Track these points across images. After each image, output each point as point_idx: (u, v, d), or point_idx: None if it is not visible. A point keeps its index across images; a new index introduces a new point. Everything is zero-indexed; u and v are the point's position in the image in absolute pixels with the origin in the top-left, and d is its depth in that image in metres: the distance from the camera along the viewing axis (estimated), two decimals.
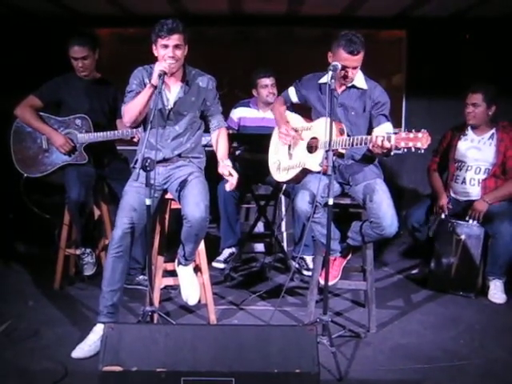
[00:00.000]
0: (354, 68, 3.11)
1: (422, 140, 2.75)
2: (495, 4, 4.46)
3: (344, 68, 3.08)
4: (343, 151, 3.15)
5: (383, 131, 3.04)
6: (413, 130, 2.78)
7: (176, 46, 2.97)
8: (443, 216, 3.97)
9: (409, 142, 2.77)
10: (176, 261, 3.23)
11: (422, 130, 2.77)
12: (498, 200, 3.86)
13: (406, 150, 2.80)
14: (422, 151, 2.79)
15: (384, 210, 3.04)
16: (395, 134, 2.82)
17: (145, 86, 3.10)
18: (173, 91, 3.13)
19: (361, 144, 2.98)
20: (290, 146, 3.47)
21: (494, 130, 3.95)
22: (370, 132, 3.21)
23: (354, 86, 3.24)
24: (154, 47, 3.03)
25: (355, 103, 3.24)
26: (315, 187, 3.00)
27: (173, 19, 2.97)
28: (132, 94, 3.10)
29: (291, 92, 3.48)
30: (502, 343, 3.16)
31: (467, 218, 3.88)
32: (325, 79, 3.23)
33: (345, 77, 3.12)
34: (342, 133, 3.12)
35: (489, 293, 3.83)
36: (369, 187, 3.15)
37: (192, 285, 3.20)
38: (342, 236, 3.32)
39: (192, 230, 2.97)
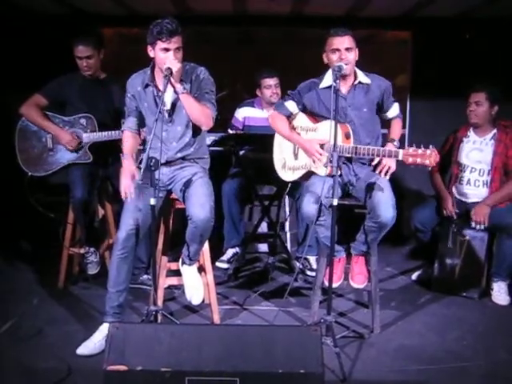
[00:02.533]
0: (347, 50, 3.12)
1: (430, 158, 2.79)
2: (500, 5, 4.45)
3: (337, 52, 3.12)
4: (350, 155, 3.15)
5: (393, 114, 3.26)
6: (421, 146, 2.80)
7: (177, 49, 2.95)
8: (455, 217, 3.92)
9: (417, 158, 2.80)
10: (180, 260, 3.23)
11: (431, 146, 2.79)
12: (498, 202, 3.84)
13: (412, 166, 2.82)
14: (430, 168, 2.81)
15: (379, 196, 3.05)
16: (404, 143, 2.86)
17: (134, 98, 3.16)
18: (168, 92, 3.04)
19: (367, 155, 2.99)
20: (295, 146, 3.46)
21: (495, 131, 3.94)
22: (382, 123, 3.29)
23: (359, 83, 3.24)
24: (149, 48, 2.99)
25: (364, 99, 3.24)
26: (320, 189, 3.00)
27: (170, 19, 2.91)
28: (127, 113, 3.22)
29: (290, 106, 3.38)
30: (505, 345, 3.16)
31: (473, 225, 3.85)
32: (325, 83, 3.24)
33: (341, 59, 3.09)
34: (347, 137, 3.13)
35: (492, 294, 3.83)
36: (370, 184, 3.16)
37: (196, 284, 3.20)
38: (342, 237, 3.33)
39: (197, 231, 2.98)
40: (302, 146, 3.32)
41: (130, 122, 3.26)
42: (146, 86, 3.13)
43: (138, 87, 3.15)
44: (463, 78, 4.92)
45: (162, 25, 2.89)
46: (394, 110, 3.33)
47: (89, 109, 3.83)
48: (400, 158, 2.82)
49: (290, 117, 3.44)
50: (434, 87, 5.18)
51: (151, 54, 3.01)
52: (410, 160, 2.80)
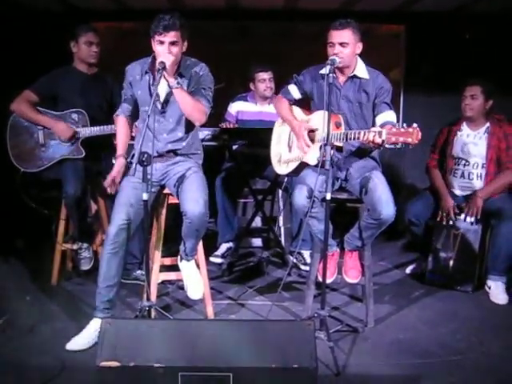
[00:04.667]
0: (341, 44, 3.10)
1: (412, 135, 2.75)
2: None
3: (331, 45, 3.11)
4: (340, 144, 3.14)
5: (385, 119, 3.09)
6: (404, 125, 2.78)
7: (172, 43, 2.95)
8: (451, 222, 3.91)
9: (399, 137, 2.78)
10: (178, 257, 3.23)
11: (414, 124, 2.77)
12: (492, 194, 3.85)
13: (396, 145, 2.81)
14: (411, 147, 2.80)
15: (378, 193, 3.03)
16: (390, 126, 2.84)
17: (131, 85, 3.16)
18: (163, 84, 3.04)
19: (355, 138, 2.98)
20: (289, 139, 3.47)
21: (488, 124, 3.94)
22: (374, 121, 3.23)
23: (355, 76, 3.22)
24: (152, 41, 3.02)
25: (358, 94, 3.23)
26: (313, 182, 2.99)
27: (171, 14, 2.94)
28: (122, 99, 3.24)
29: (292, 89, 3.42)
30: (499, 338, 3.16)
31: (464, 217, 3.87)
32: (324, 70, 3.24)
33: (334, 54, 3.08)
34: (338, 126, 3.12)
35: (490, 293, 3.77)
36: (365, 179, 3.15)
37: (195, 280, 3.19)
38: (334, 231, 3.33)
39: (192, 226, 2.97)
40: (292, 127, 3.36)
41: (124, 108, 3.27)
42: (145, 72, 3.13)
43: (137, 75, 3.16)
44: (457, 72, 4.94)
45: (159, 19, 2.93)
46: (385, 116, 3.14)
47: (81, 103, 3.80)
48: (383, 137, 2.80)
49: (292, 102, 3.46)
50: (428, 81, 5.20)
51: (154, 47, 3.02)
52: (393, 139, 2.78)
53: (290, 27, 5.43)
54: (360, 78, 3.22)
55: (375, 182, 3.08)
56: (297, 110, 3.48)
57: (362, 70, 3.23)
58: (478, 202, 3.83)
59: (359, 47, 3.18)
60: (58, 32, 3.98)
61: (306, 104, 3.47)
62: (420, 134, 2.76)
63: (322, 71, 3.26)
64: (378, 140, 2.81)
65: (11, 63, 4.88)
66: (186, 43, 3.06)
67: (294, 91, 3.42)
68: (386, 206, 3.01)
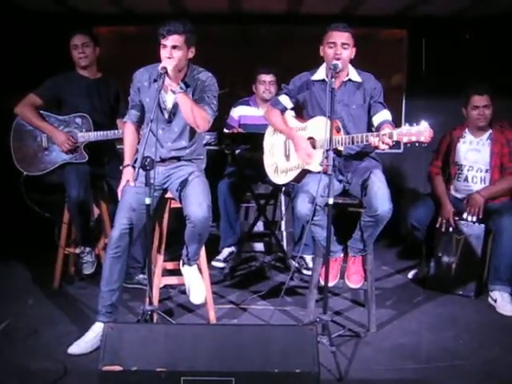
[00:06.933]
0: (343, 45, 3.11)
1: (424, 134, 2.78)
2: (496, 2, 4.46)
3: (333, 46, 3.11)
4: (341, 148, 3.16)
5: (382, 118, 3.12)
6: (414, 124, 2.81)
7: (174, 47, 2.96)
8: (451, 229, 3.90)
9: (411, 136, 2.80)
10: (181, 261, 3.23)
11: (422, 122, 2.79)
12: (493, 195, 3.85)
13: (409, 145, 2.83)
14: (424, 145, 2.82)
15: (375, 190, 3.03)
16: (397, 127, 2.86)
17: (139, 91, 3.17)
18: (170, 92, 3.06)
19: (362, 142, 2.99)
20: (285, 148, 3.46)
21: (491, 130, 3.94)
22: (369, 122, 3.24)
23: (350, 80, 3.25)
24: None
25: (354, 97, 3.25)
26: (315, 189, 2.98)
27: (179, 20, 2.96)
28: (130, 106, 3.23)
29: (284, 100, 3.40)
30: (501, 343, 3.15)
31: (465, 215, 3.87)
32: (318, 76, 3.26)
33: (336, 55, 3.10)
34: (338, 131, 3.14)
35: (497, 305, 3.68)
36: (365, 181, 3.15)
37: (198, 284, 3.19)
38: (339, 237, 3.33)
39: (195, 230, 2.98)
40: (293, 139, 3.34)
41: (131, 115, 3.26)
42: (154, 81, 3.12)
43: (145, 82, 3.16)
44: (459, 77, 4.94)
45: (165, 23, 2.95)
46: (381, 116, 3.17)
47: (84, 109, 3.82)
48: (395, 138, 2.82)
49: (284, 111, 3.45)
50: (430, 86, 5.19)
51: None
52: (405, 139, 2.80)
53: (292, 31, 5.44)
54: (353, 82, 3.25)
55: (373, 180, 3.09)
56: (291, 119, 3.48)
57: (354, 74, 3.27)
58: (479, 200, 3.81)
59: (353, 52, 3.21)
60: (59, 36, 3.98)
61: (297, 111, 3.47)
62: (432, 131, 2.79)
63: (315, 77, 3.28)
64: (388, 141, 2.83)
65: (14, 67, 4.89)
66: (192, 50, 3.06)
67: (286, 101, 3.40)
68: (382, 202, 3.00)
